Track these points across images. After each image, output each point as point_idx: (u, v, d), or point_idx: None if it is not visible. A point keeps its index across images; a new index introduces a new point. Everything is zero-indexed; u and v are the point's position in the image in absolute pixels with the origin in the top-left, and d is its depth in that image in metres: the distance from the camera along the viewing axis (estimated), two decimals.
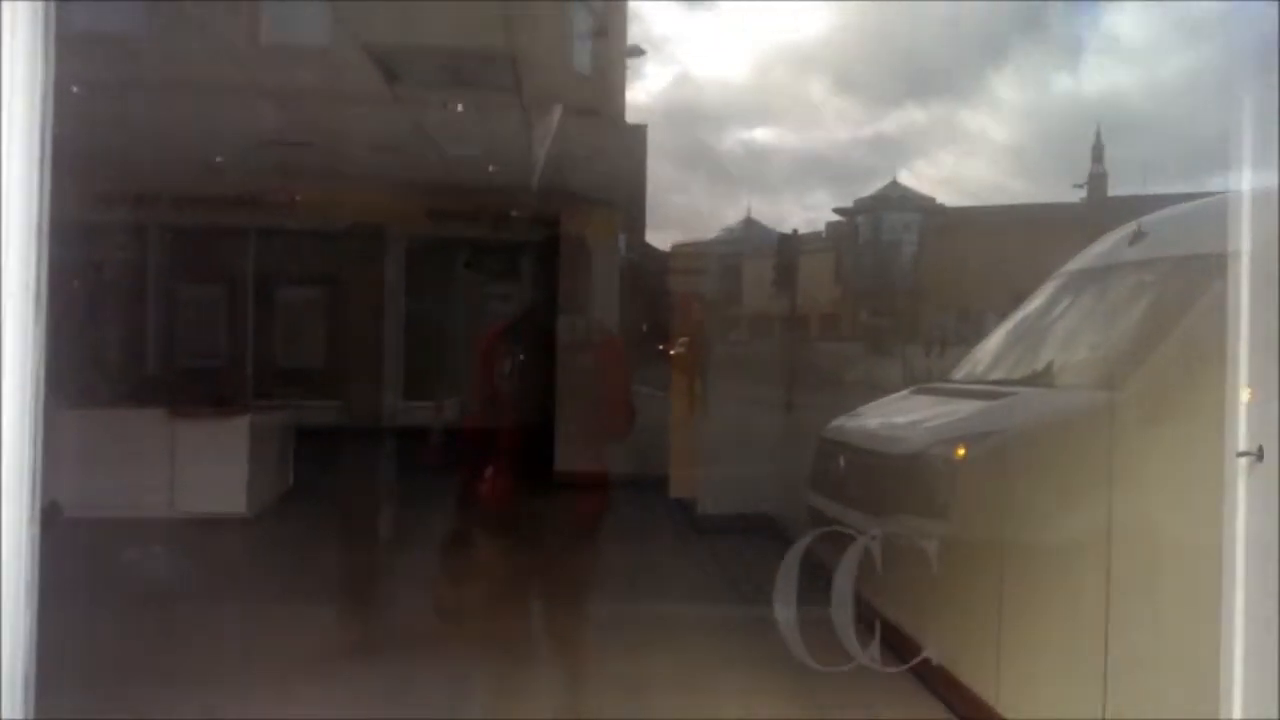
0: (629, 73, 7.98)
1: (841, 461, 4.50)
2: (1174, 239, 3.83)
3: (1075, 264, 4.86)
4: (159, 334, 11.40)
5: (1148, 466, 2.90)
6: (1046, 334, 4.71)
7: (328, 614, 4.68)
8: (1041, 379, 4.02)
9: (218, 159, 7.64)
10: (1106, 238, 4.82)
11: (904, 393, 5.07)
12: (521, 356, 3.37)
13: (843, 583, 3.44)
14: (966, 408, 4.14)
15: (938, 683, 3.60)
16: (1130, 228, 4.51)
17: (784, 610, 3.49)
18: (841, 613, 3.42)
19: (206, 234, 11.34)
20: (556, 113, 6.58)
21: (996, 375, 4.62)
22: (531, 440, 3.35)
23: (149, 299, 11.28)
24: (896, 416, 4.65)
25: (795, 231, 16.97)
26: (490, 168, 8.32)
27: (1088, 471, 3.08)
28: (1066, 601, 2.99)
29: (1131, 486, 2.83)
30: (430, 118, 7.13)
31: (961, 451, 3.67)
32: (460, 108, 5.73)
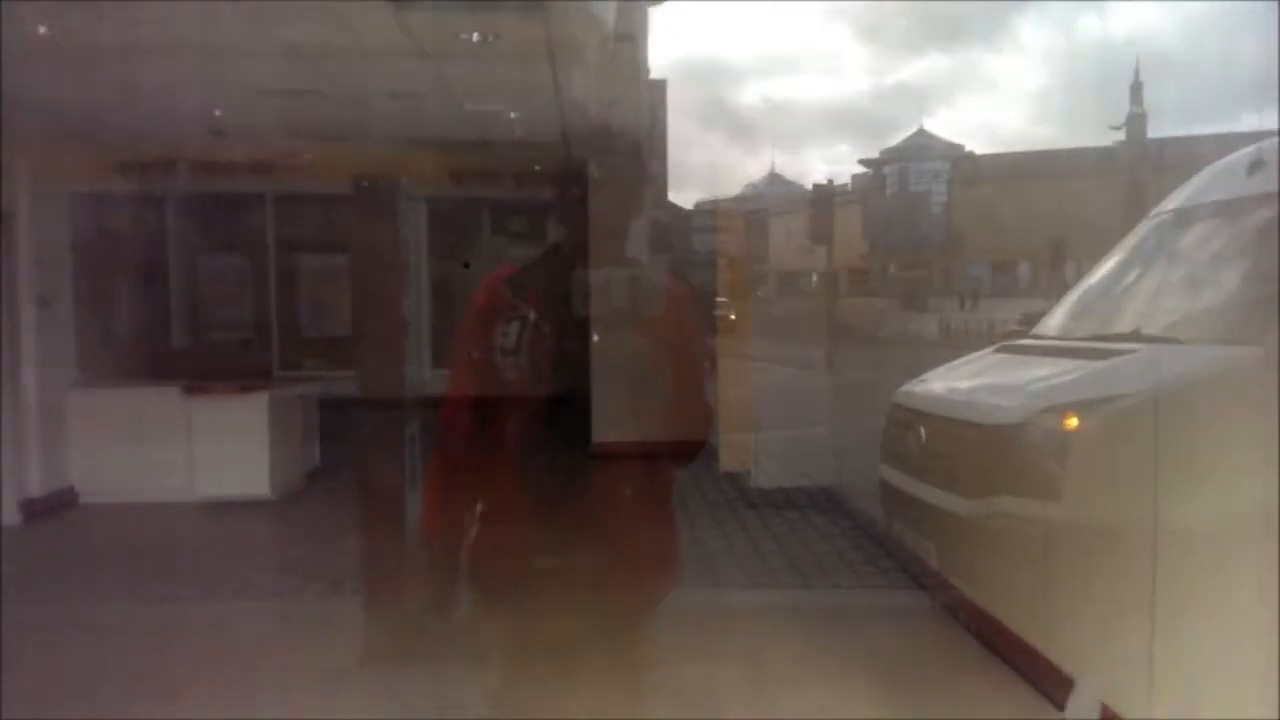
0: (648, 24, 7.52)
1: (922, 432, 4.02)
2: None
3: (1177, 201, 4.33)
4: (181, 306, 11.17)
5: None
6: (1152, 282, 4.19)
7: (359, 611, 4.29)
8: (1162, 333, 3.51)
9: (216, 112, 7.19)
10: (1210, 171, 4.28)
11: (986, 352, 4.56)
12: (532, 316, 2.23)
13: None
14: (1072, 368, 3.64)
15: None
16: (1243, 157, 3.98)
17: None
18: None
19: (223, 202, 11.07)
20: (578, 62, 6.08)
21: (1094, 330, 4.12)
22: (564, 410, 2.67)
23: (168, 271, 11.04)
24: (985, 380, 4.16)
25: (830, 181, 16.26)
26: (511, 116, 7.84)
27: (1246, 441, 2.60)
28: (1229, 602, 2.52)
29: None
30: (450, 68, 6.63)
31: (1077, 421, 3.18)
32: (475, 36, 5.19)
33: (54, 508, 6.11)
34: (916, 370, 4.76)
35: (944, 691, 3.40)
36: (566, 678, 2.54)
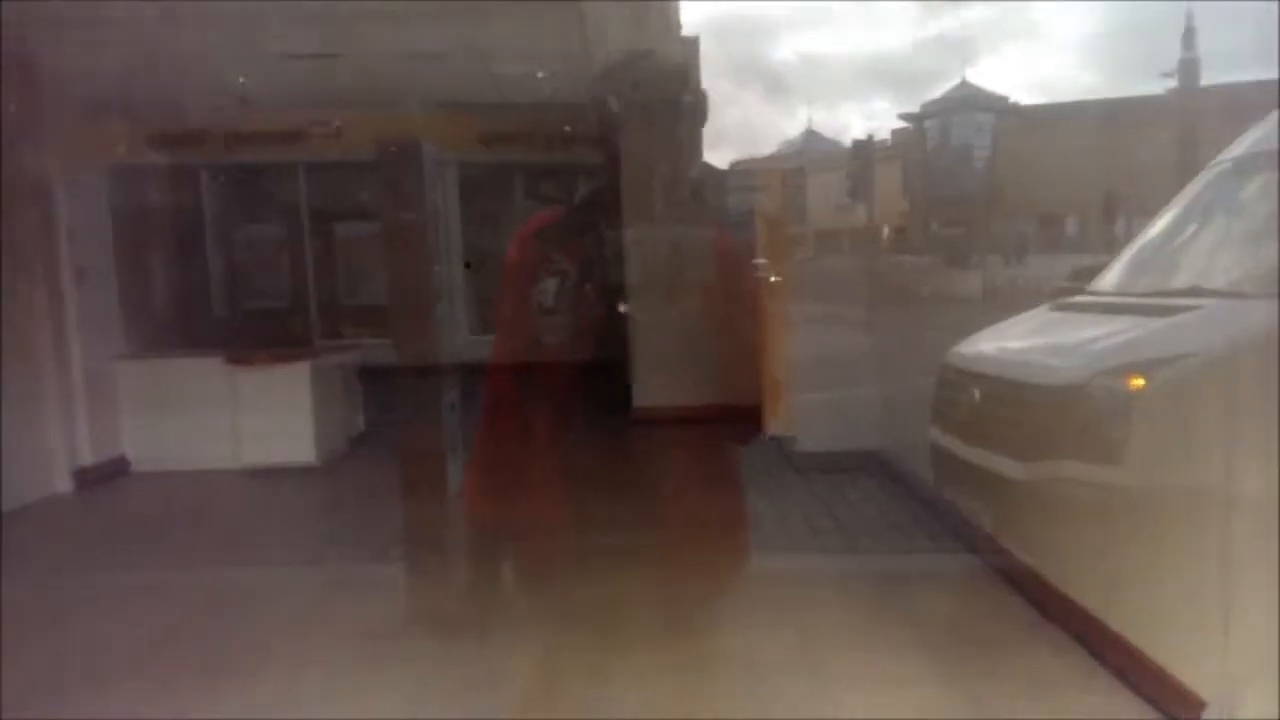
0: None
1: (975, 394, 3.89)
2: None
3: (1237, 150, 4.12)
4: (220, 277, 11.28)
5: None
6: (1213, 235, 4.00)
7: (406, 576, 4.29)
8: (1227, 288, 3.34)
9: (241, 80, 7.18)
10: (1273, 118, 4.05)
11: (1041, 310, 4.40)
12: (571, 271, 2.00)
13: None
14: (1133, 326, 3.49)
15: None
16: None
17: None
18: None
19: (258, 172, 11.12)
20: (607, 15, 5.93)
21: (1154, 286, 3.94)
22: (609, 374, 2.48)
23: (207, 242, 11.14)
24: (1042, 339, 4.01)
25: (870, 137, 15.87)
26: (539, 76, 7.71)
27: None
28: None
29: None
30: (479, 28, 6.52)
31: (1142, 381, 3.05)
32: None
33: (106, 476, 6.21)
34: (960, 329, 4.62)
35: (1001, 658, 3.33)
36: (609, 649, 2.50)
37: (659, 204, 2.21)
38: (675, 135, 1.96)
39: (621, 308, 2.14)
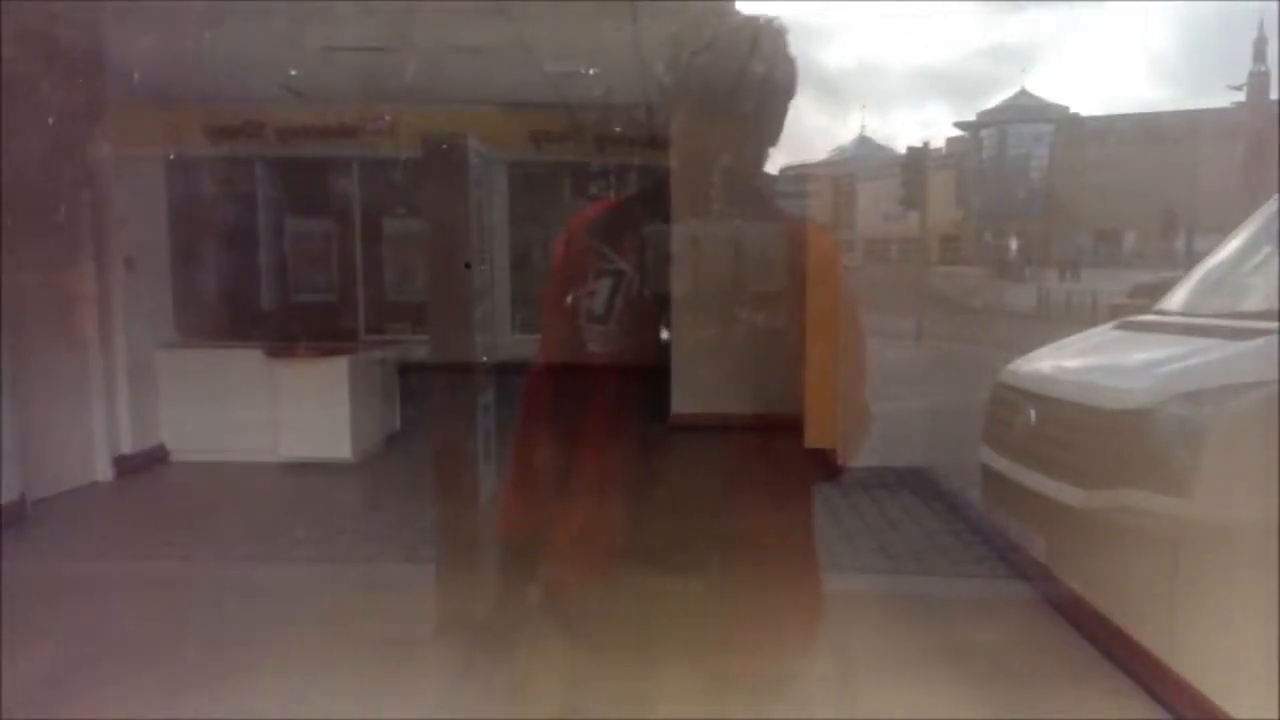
0: None
1: (1031, 414, 3.71)
2: None
3: None
4: (269, 269, 11.40)
5: None
6: None
7: (435, 579, 4.22)
8: None
9: (292, 73, 7.21)
10: None
11: (1105, 328, 4.20)
12: (629, 272, 1.63)
13: None
14: (1207, 349, 3.28)
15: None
16: None
17: None
18: None
19: (310, 166, 11.22)
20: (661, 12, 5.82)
21: (1227, 307, 3.73)
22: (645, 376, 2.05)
23: (257, 234, 11.27)
24: (1106, 359, 3.81)
25: (925, 144, 15.56)
26: (591, 73, 7.64)
27: None
28: None
29: None
30: (530, 24, 6.46)
31: (1215, 407, 2.85)
32: None
33: (145, 464, 6.25)
34: (1011, 344, 4.44)
35: (1051, 697, 3.15)
36: (635, 667, 2.35)
37: (718, 194, 1.72)
38: (743, 113, 1.58)
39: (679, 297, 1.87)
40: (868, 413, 1.69)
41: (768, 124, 1.64)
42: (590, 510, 1.77)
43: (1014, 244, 26.55)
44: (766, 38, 1.60)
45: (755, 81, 1.56)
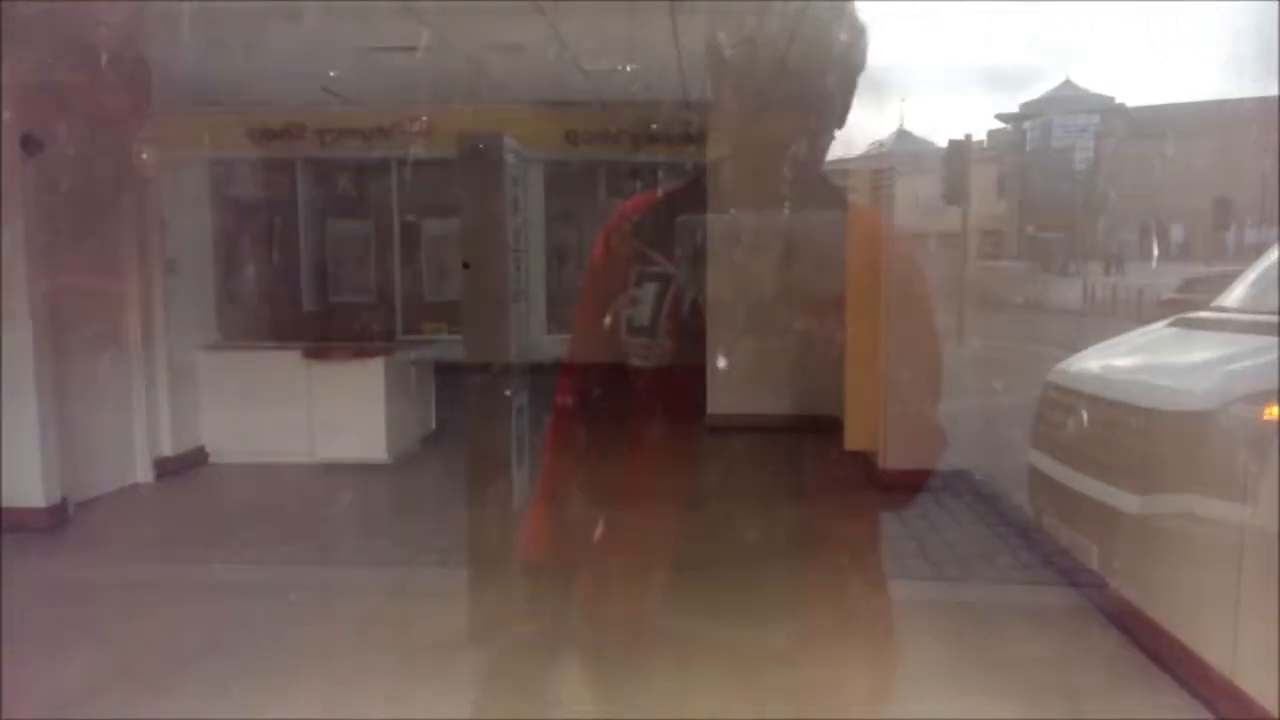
0: None
1: (1083, 416, 3.57)
2: None
3: None
4: (310, 271, 11.51)
5: None
6: None
7: (470, 582, 4.18)
8: None
9: (331, 73, 7.25)
10: None
11: (1159, 325, 4.04)
12: (677, 277, 1.40)
13: None
14: (1269, 347, 3.12)
15: None
16: None
17: None
18: None
19: (349, 168, 11.32)
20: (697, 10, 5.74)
21: None
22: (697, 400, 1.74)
23: (298, 236, 11.39)
24: (1162, 358, 3.66)
25: (967, 138, 15.23)
26: (628, 70, 7.57)
27: None
28: None
29: None
30: (568, 21, 6.41)
31: None
32: None
33: (185, 466, 6.31)
34: (1057, 341, 4.29)
35: (1104, 709, 3.02)
36: (670, 675, 2.25)
37: (784, 183, 1.52)
38: (813, 90, 1.29)
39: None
40: (942, 435, 1.44)
41: (839, 101, 1.40)
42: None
43: (1059, 238, 26.02)
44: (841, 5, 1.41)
45: (832, 52, 1.38)
